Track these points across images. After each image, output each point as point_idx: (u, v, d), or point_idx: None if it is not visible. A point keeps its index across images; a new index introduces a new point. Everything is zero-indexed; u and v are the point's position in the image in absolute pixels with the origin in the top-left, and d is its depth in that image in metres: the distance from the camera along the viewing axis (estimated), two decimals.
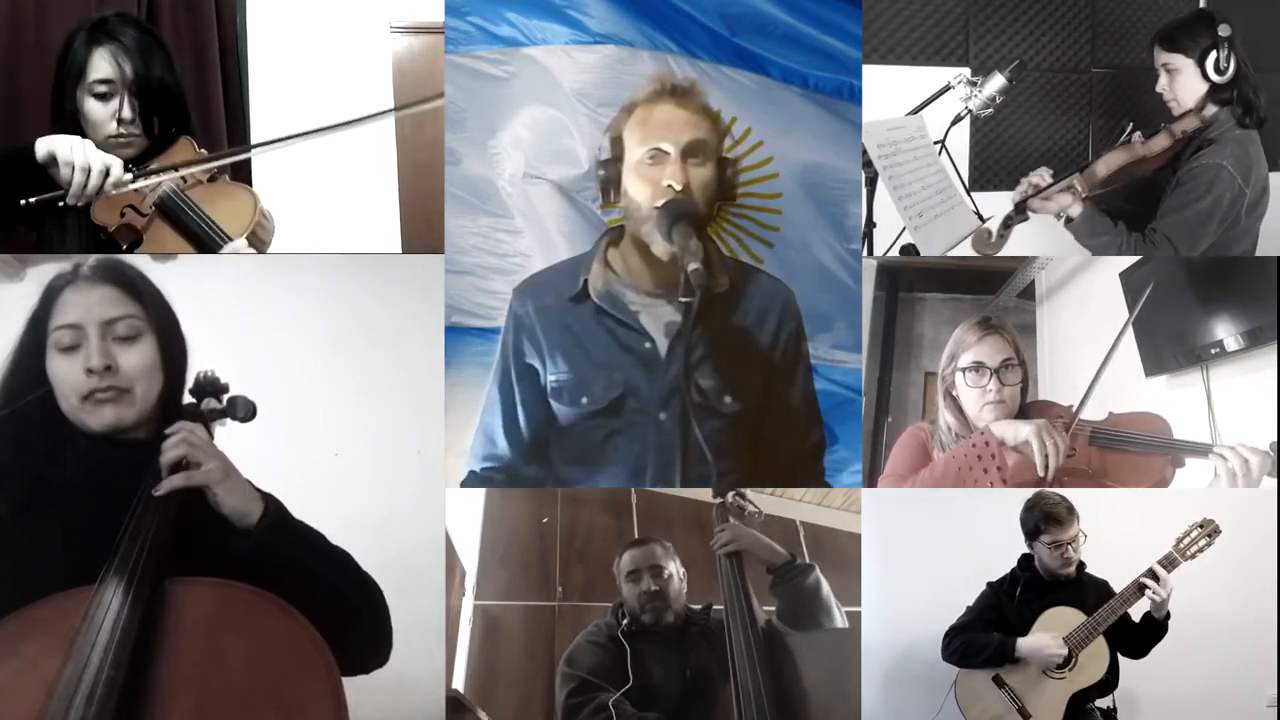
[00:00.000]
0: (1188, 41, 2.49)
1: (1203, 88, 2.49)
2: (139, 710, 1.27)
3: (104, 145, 2.01)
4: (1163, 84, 2.54)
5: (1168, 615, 2.03)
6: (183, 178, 2.02)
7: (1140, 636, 2.07)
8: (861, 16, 2.31)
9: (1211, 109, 2.51)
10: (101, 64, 1.99)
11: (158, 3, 2.58)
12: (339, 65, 2.86)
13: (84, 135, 2.02)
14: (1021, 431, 1.89)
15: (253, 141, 2.40)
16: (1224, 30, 2.45)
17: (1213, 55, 2.45)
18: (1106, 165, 2.48)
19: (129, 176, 1.92)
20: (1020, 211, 2.47)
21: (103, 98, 2.00)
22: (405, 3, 2.93)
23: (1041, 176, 2.49)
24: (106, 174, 1.88)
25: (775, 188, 2.31)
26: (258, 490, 1.53)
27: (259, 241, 2.08)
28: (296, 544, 1.52)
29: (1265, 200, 2.55)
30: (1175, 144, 2.49)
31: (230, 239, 2.01)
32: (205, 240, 2.01)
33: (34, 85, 2.53)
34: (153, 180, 1.97)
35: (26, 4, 2.54)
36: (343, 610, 1.51)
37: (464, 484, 1.86)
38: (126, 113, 2.00)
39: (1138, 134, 2.49)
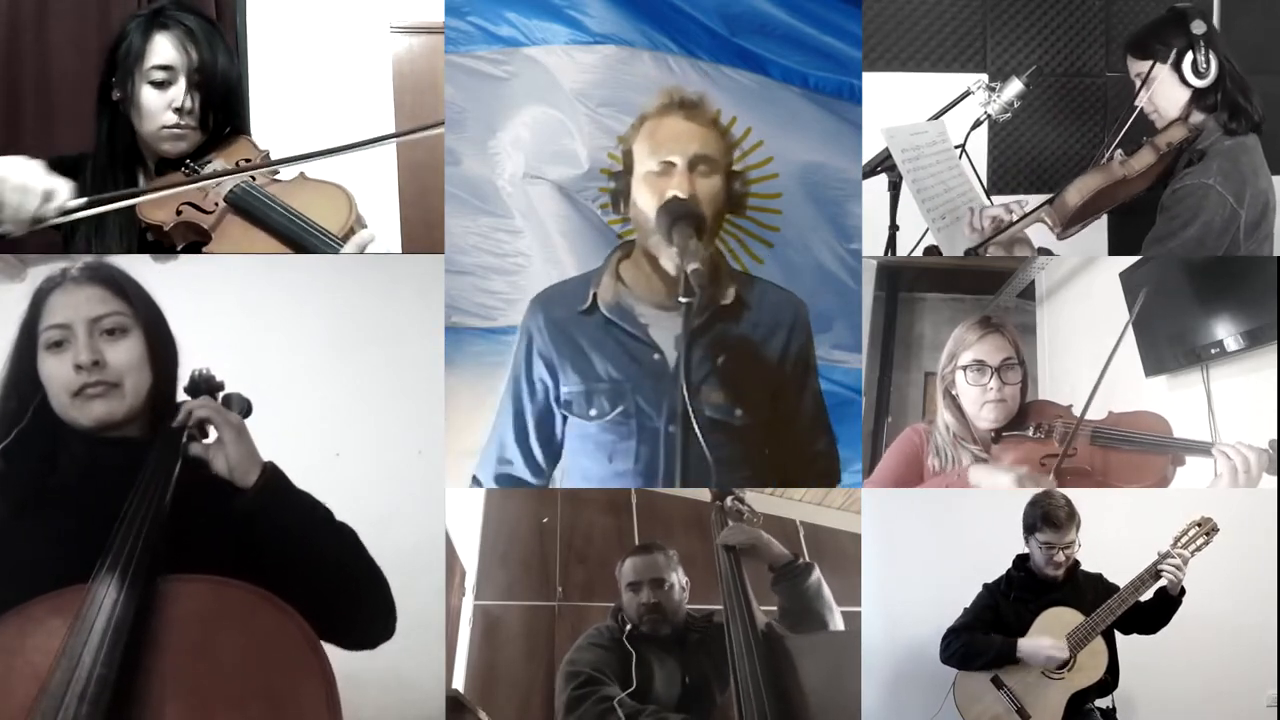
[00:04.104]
0: (1159, 46, 2.27)
1: (1184, 94, 2.27)
2: (131, 707, 1.28)
3: (155, 136, 1.95)
4: (1141, 97, 2.29)
5: (1182, 591, 1.98)
6: (251, 176, 1.93)
7: (1154, 613, 2.02)
8: (861, 16, 2.31)
9: (1199, 116, 2.28)
10: (165, 49, 1.91)
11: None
12: (339, 65, 2.86)
13: (133, 127, 1.97)
14: (1001, 482, 1.89)
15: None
16: (1198, 28, 2.22)
17: (1189, 57, 2.23)
18: (1079, 192, 2.23)
19: (79, 202, 1.74)
20: (975, 254, 2.30)
21: (160, 85, 1.92)
22: (405, 3, 2.93)
23: (1007, 210, 2.24)
24: (49, 198, 1.71)
25: (775, 188, 2.31)
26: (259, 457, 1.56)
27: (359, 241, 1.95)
28: (294, 508, 1.54)
29: (1270, 217, 2.28)
30: (1161, 160, 2.27)
31: (332, 233, 1.89)
32: (300, 236, 1.89)
33: (34, 86, 2.54)
34: (207, 182, 1.85)
35: (27, 5, 2.54)
36: (344, 581, 1.53)
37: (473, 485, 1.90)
38: (187, 103, 1.92)
39: (1119, 151, 2.28)
